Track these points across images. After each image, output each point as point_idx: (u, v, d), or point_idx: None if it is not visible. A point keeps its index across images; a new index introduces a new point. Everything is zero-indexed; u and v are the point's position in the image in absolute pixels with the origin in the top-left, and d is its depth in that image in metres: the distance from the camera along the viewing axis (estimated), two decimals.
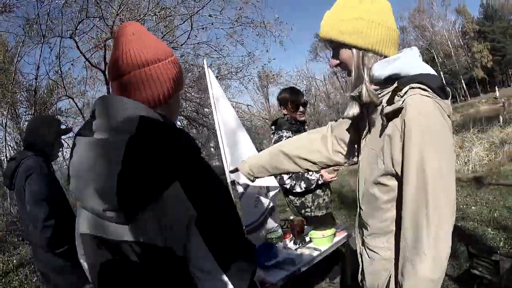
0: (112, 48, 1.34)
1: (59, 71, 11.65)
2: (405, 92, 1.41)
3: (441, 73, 67.42)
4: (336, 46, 1.59)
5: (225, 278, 1.19)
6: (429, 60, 69.74)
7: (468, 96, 68.47)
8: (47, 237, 2.64)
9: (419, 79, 1.41)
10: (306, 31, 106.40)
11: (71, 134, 6.57)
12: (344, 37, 1.51)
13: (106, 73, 11.02)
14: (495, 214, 6.31)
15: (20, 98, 15.12)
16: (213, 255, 1.17)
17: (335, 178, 3.91)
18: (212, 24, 11.50)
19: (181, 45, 11.87)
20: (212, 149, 20.22)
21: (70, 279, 2.78)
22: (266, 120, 22.61)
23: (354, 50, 1.53)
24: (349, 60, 1.57)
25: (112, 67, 1.30)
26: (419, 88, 1.39)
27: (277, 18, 12.42)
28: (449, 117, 1.41)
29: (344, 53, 1.56)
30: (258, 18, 11.86)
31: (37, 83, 12.46)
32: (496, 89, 59.72)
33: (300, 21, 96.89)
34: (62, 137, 3.24)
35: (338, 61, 1.61)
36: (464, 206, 7.17)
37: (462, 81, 69.22)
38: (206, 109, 14.78)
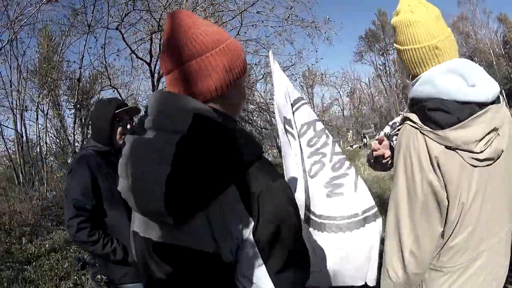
0: (166, 38, 1.23)
1: (104, 61, 11.74)
2: (400, 124, 1.63)
3: None
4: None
5: None
6: None
7: (509, 107, 66.29)
8: (72, 234, 2.59)
9: (418, 108, 1.55)
10: (351, 32, 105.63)
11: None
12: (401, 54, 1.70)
13: (152, 66, 10.95)
14: None
15: (63, 87, 15.27)
16: (267, 267, 1.11)
17: None
18: (262, 22, 11.37)
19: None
20: None
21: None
22: None
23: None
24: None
25: (172, 56, 1.19)
26: (410, 119, 1.54)
27: (328, 18, 12.34)
28: (449, 147, 1.45)
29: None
30: (308, 16, 11.65)
31: (81, 72, 12.45)
32: None
33: (345, 21, 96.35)
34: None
35: None
36: None
37: (503, 91, 67.01)
38: (251, 106, 14.59)
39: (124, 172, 1.15)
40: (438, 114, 1.46)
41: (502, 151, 1.49)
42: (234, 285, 1.15)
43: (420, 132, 1.48)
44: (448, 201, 1.49)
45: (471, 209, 1.50)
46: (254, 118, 15.80)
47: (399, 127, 1.64)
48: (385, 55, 66.12)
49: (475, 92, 1.47)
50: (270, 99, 12.45)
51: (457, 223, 1.52)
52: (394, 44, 1.71)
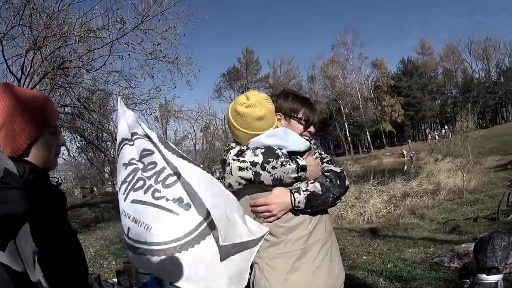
0: None
1: None
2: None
3: (346, 123, 71.00)
4: None
5: None
6: (336, 111, 73.35)
7: (372, 148, 71.79)
8: None
9: None
10: (211, 69, 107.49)
11: None
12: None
13: (21, 82, 10.64)
14: (389, 265, 6.58)
15: None
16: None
17: None
18: (129, 54, 11.66)
19: (97, 70, 11.83)
20: (106, 174, 19.63)
21: None
22: None
23: None
24: None
25: None
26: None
27: (190, 58, 12.81)
28: None
29: None
30: (172, 55, 12.15)
31: None
32: (409, 141, 63.62)
33: (206, 59, 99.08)
34: None
35: None
36: (355, 256, 7.53)
37: (367, 133, 72.26)
38: (105, 135, 14.52)
39: None
40: None
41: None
42: None
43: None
44: None
45: None
46: (108, 147, 15.76)
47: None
48: (244, 92, 68.54)
49: (288, 145, 2.08)
50: None
51: None
52: (236, 125, 2.18)
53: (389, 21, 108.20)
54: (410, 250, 7.58)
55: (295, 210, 2.05)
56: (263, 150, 2.02)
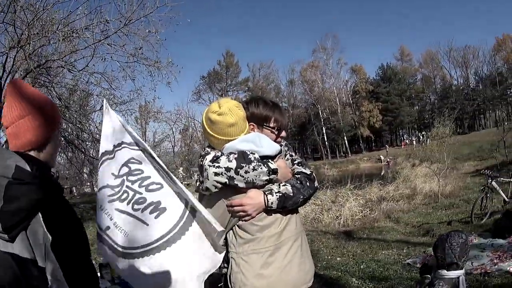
0: (7, 102, 1.73)
1: None
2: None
3: (324, 128, 71.13)
4: None
5: None
6: (314, 115, 73.38)
7: (350, 152, 72.16)
8: None
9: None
10: (193, 71, 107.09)
11: None
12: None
13: (2, 80, 10.53)
14: (362, 266, 6.75)
15: None
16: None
17: None
18: (111, 57, 11.69)
19: (79, 71, 11.74)
20: (85, 175, 19.50)
21: None
22: None
23: None
24: None
25: (3, 120, 1.70)
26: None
27: (170, 61, 12.79)
28: None
29: None
30: (153, 57, 12.13)
31: None
32: (387, 147, 63.39)
33: (186, 61, 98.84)
34: None
35: None
36: (329, 257, 7.69)
37: (345, 137, 72.92)
38: (85, 135, 14.46)
39: None
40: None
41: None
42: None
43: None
44: None
45: None
46: (88, 147, 15.67)
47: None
48: (223, 95, 67.62)
49: (261, 151, 2.23)
50: None
51: None
52: (210, 132, 2.33)
53: (368, 28, 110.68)
54: (383, 252, 7.76)
55: (268, 210, 2.24)
56: (236, 156, 2.20)
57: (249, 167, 2.16)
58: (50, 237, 1.53)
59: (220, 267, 2.26)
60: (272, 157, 2.27)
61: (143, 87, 13.94)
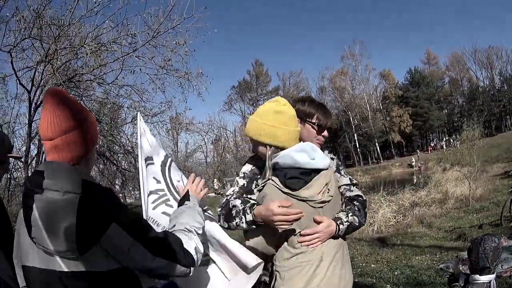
0: (42, 112, 1.64)
1: None
2: (263, 184, 2.28)
3: (355, 135, 70.64)
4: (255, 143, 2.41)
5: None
6: (345, 122, 72.94)
7: (381, 158, 71.53)
8: None
9: (279, 174, 2.22)
10: (223, 81, 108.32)
11: None
12: (262, 138, 2.32)
13: (31, 94, 10.67)
14: (396, 272, 6.71)
15: None
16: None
17: None
18: (140, 69, 11.69)
19: (109, 84, 11.89)
20: (117, 186, 19.78)
21: None
22: None
23: (267, 147, 2.33)
24: (264, 153, 2.35)
25: (43, 131, 1.60)
26: (274, 181, 2.19)
27: (200, 72, 12.64)
28: (300, 200, 2.16)
29: (261, 148, 2.37)
30: (183, 68, 12.09)
31: None
32: (418, 151, 63.01)
33: (218, 72, 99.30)
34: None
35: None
36: (364, 264, 7.66)
37: (377, 144, 72.33)
38: (116, 147, 14.62)
39: (37, 223, 1.51)
40: (293, 181, 2.17)
41: (331, 196, 2.29)
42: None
43: (281, 190, 2.16)
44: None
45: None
46: (119, 159, 15.84)
47: (263, 184, 2.29)
48: (254, 105, 68.65)
49: (314, 163, 2.23)
50: (136, 142, 12.61)
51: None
52: (276, 124, 2.30)
53: (392, 33, 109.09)
54: (417, 258, 7.69)
55: None
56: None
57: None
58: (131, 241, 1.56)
59: (260, 275, 2.30)
60: (322, 170, 2.28)
61: (173, 99, 13.89)
